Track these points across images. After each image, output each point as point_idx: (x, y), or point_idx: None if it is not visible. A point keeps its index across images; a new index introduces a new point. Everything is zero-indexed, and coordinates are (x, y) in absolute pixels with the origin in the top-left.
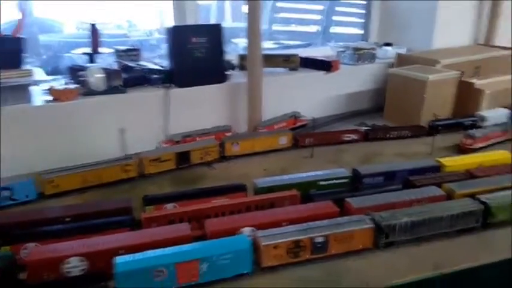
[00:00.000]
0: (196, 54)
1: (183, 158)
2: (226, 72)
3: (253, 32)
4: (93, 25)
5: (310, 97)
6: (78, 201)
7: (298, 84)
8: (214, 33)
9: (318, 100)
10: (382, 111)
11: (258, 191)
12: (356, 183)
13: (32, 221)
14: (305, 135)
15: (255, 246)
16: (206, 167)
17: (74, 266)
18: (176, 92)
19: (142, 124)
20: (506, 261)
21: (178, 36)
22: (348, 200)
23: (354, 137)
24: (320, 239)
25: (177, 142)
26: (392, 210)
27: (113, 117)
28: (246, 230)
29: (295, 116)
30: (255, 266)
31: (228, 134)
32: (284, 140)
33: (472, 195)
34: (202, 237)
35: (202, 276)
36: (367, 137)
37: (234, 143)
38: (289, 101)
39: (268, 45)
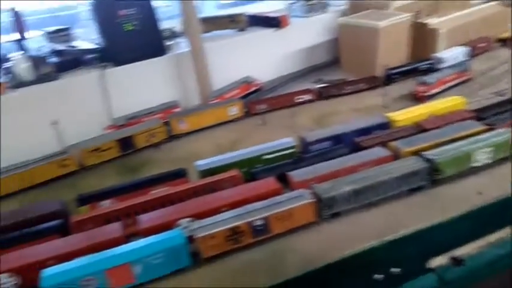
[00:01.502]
0: (128, 28)
1: (126, 144)
2: (166, 43)
3: None
4: (14, 10)
5: (262, 58)
6: (17, 204)
7: (247, 46)
8: (143, 3)
9: (271, 60)
10: (339, 64)
11: (201, 174)
12: (303, 152)
13: None
14: (256, 101)
15: (192, 239)
16: (153, 150)
17: (4, 283)
18: (113, 72)
19: (81, 111)
20: (458, 218)
21: (104, 10)
22: (290, 174)
23: (307, 97)
24: (259, 222)
25: (122, 126)
26: (335, 180)
27: (47, 108)
28: (183, 222)
29: (247, 82)
30: (195, 258)
31: (175, 111)
32: (235, 110)
33: (419, 152)
34: (135, 235)
35: (138, 277)
36: (321, 95)
37: (180, 121)
38: (240, 65)
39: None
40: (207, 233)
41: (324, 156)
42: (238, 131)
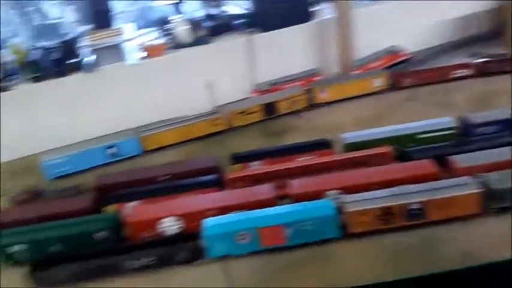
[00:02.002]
0: None
1: (269, 109)
2: (311, 9)
3: None
4: None
5: (410, 26)
6: (175, 155)
7: (395, 13)
8: None
9: (420, 29)
10: (501, 37)
11: (347, 147)
12: (464, 135)
13: (131, 181)
14: (404, 74)
15: (341, 212)
16: (294, 117)
17: (170, 226)
18: (260, 37)
19: (228, 75)
20: None
21: None
22: (452, 158)
23: (464, 72)
24: (416, 206)
25: (265, 91)
26: (506, 171)
27: (200, 69)
28: (332, 194)
29: (393, 52)
30: (341, 231)
31: (317, 79)
32: (379, 82)
33: None
34: (285, 198)
35: (288, 239)
36: (482, 71)
37: (322, 90)
38: (386, 34)
39: None
40: (358, 209)
41: (491, 141)
42: (381, 105)
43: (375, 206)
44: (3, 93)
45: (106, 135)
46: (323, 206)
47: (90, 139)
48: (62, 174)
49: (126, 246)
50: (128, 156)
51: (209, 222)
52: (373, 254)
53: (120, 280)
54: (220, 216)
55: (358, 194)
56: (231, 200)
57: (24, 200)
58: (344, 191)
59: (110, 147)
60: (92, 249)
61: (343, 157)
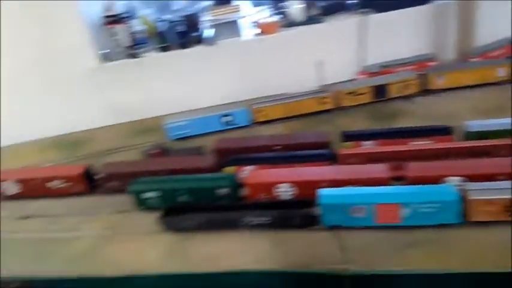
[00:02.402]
0: None
1: (379, 91)
2: None
3: None
4: None
5: None
6: (283, 129)
7: None
8: None
9: None
10: None
11: (468, 135)
12: None
13: (247, 147)
14: None
15: (464, 199)
16: (405, 101)
17: (285, 191)
18: (374, 18)
19: (339, 54)
20: None
21: None
22: None
23: None
24: None
25: (374, 73)
26: None
27: (311, 48)
28: (453, 180)
29: None
30: (462, 218)
31: (431, 64)
32: (502, 72)
33: None
34: (399, 179)
35: (404, 219)
36: None
37: (439, 75)
38: (508, 23)
39: None
40: (484, 197)
41: None
42: (503, 96)
43: (504, 197)
44: (133, 60)
45: (221, 104)
46: (445, 191)
47: (207, 107)
48: (182, 136)
49: (245, 204)
50: (240, 125)
51: (325, 192)
52: (496, 244)
53: (238, 234)
54: (336, 188)
55: (484, 183)
56: (344, 175)
57: (153, 154)
58: (466, 178)
59: (225, 115)
60: (214, 203)
61: (464, 145)
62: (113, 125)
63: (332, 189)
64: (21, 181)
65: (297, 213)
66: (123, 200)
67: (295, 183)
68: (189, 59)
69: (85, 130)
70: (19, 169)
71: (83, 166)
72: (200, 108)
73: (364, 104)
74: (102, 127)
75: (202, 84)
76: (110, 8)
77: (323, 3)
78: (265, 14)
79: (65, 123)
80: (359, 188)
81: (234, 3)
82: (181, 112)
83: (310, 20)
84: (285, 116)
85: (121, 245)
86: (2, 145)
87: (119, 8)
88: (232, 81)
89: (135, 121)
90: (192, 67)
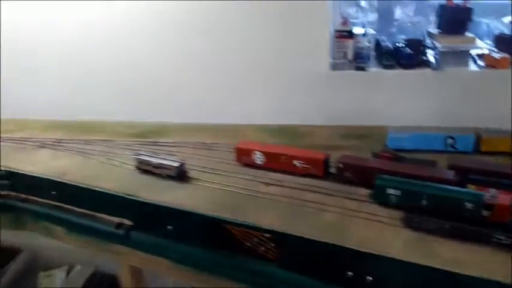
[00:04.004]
0: None
1: None
2: None
3: None
4: None
5: None
6: (506, 162)
7: None
8: None
9: None
10: None
11: None
12: None
13: (481, 170)
14: None
15: None
16: None
17: None
18: None
19: None
20: None
21: None
22: None
23: None
24: None
25: None
26: None
27: None
28: None
29: None
30: None
31: None
32: None
33: None
34: None
35: None
36: None
37: None
38: None
39: None
40: None
41: None
42: None
43: None
44: (358, 72)
45: (442, 127)
46: None
47: (425, 126)
48: (400, 147)
49: (491, 221)
50: (462, 150)
51: None
52: None
53: (483, 247)
54: None
55: None
56: None
57: (383, 156)
58: None
59: (450, 137)
60: (458, 214)
61: None
62: (325, 125)
63: None
64: (268, 154)
65: None
66: (356, 190)
67: None
68: (411, 79)
69: (301, 125)
70: (267, 144)
71: (324, 154)
72: (418, 126)
73: None
74: (315, 125)
75: (422, 105)
76: (345, 22)
77: None
78: (489, 49)
79: (286, 115)
80: None
81: (467, 34)
82: (399, 126)
83: None
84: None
85: (363, 227)
86: (230, 123)
87: (351, 24)
88: (454, 107)
89: (348, 126)
90: (415, 87)
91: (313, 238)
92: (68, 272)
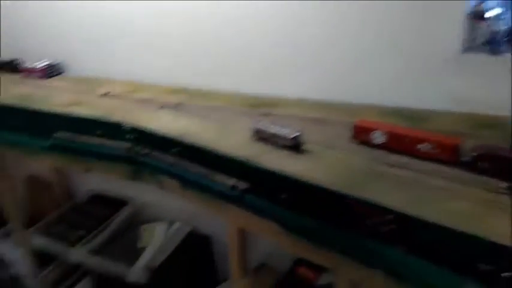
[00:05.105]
0: None
1: None
2: None
3: None
4: None
5: None
6: None
7: None
8: None
9: None
10: None
11: None
12: None
13: None
14: None
15: None
16: None
17: None
18: None
19: None
20: None
21: None
22: None
23: None
24: None
25: None
26: None
27: None
28: None
29: None
30: None
31: None
32: None
33: None
34: None
35: None
36: None
37: None
38: None
39: None
40: None
41: None
42: None
43: None
44: (492, 57)
45: None
46: None
47: None
48: None
49: None
50: None
51: None
52: None
53: None
54: None
55: None
56: None
57: None
58: None
59: None
60: None
61: None
62: (446, 111)
63: None
64: (391, 134)
65: None
66: (493, 181)
67: None
68: None
69: (419, 108)
70: (390, 124)
71: (457, 138)
72: None
73: None
74: (436, 110)
75: None
76: (480, 4)
77: None
78: None
79: (404, 97)
80: None
81: None
82: None
83: None
84: None
85: (500, 220)
86: (343, 101)
87: (486, 5)
88: None
89: (471, 113)
90: None
91: (446, 225)
92: (167, 228)
